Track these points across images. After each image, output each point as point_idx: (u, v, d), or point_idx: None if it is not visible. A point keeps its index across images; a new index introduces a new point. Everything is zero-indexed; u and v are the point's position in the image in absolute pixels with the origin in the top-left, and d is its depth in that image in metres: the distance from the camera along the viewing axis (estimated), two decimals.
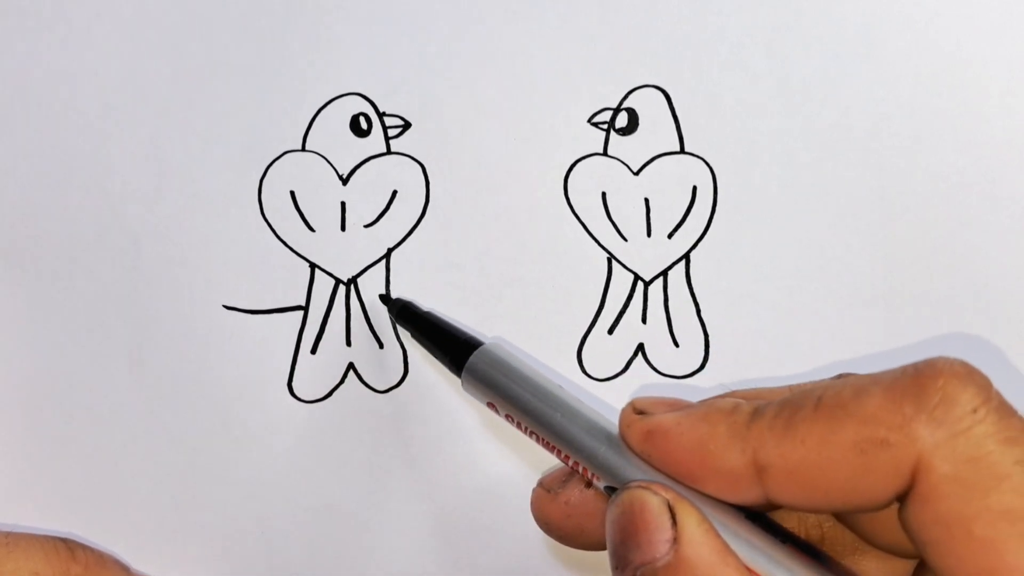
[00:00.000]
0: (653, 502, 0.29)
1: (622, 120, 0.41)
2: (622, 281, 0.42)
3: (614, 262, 0.41)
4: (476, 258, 0.42)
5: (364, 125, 0.42)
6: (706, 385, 0.41)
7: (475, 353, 0.36)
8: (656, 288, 0.42)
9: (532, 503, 0.34)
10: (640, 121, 0.41)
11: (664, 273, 0.41)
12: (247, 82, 0.42)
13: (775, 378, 0.41)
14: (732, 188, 0.41)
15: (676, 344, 0.41)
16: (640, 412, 0.31)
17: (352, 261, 0.42)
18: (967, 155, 0.41)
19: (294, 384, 0.42)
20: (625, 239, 0.41)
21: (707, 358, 0.41)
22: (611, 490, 0.31)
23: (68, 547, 0.39)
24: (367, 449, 0.42)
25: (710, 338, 0.41)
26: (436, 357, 0.38)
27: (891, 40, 0.41)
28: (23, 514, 0.42)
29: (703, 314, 0.41)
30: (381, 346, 0.42)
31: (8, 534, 0.39)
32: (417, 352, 0.42)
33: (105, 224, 0.42)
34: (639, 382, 0.41)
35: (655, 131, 0.41)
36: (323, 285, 0.42)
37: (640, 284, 0.42)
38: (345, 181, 0.42)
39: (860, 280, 0.41)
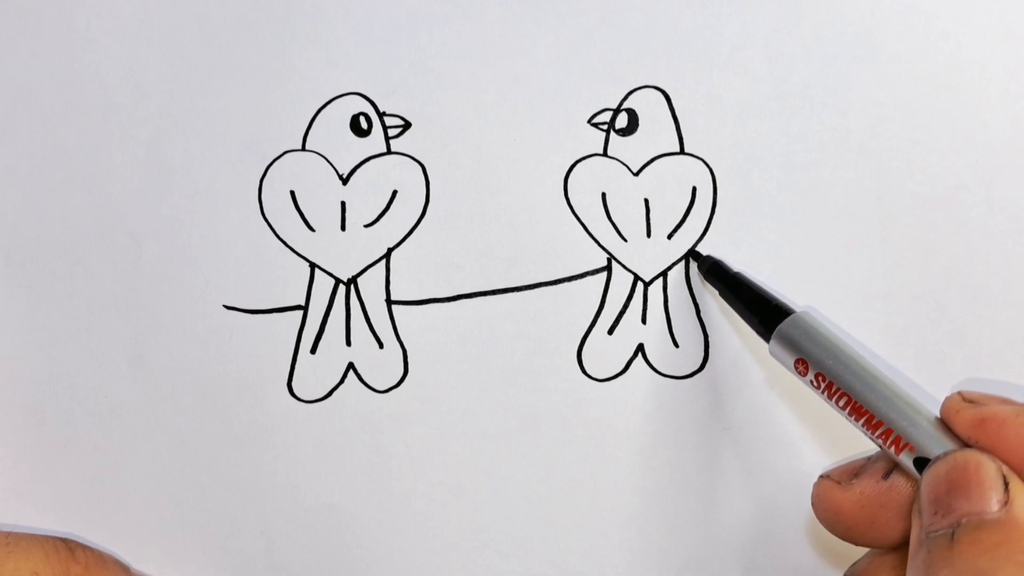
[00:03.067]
0: (989, 464, 0.31)
1: (622, 121, 0.41)
2: (622, 281, 0.42)
3: (614, 262, 0.42)
4: (476, 258, 0.42)
5: (364, 125, 0.42)
6: (706, 385, 0.41)
7: (790, 318, 0.37)
8: (656, 288, 0.42)
9: (818, 495, 0.36)
10: (640, 122, 0.41)
11: (664, 273, 0.42)
12: (247, 82, 0.42)
13: (775, 378, 0.41)
14: (731, 189, 0.41)
15: (676, 344, 0.41)
16: (969, 401, 0.33)
17: (352, 261, 0.42)
18: (965, 157, 0.41)
19: (294, 384, 0.42)
20: (625, 239, 0.41)
21: (707, 358, 0.41)
22: (921, 464, 0.33)
23: (68, 547, 0.39)
24: (367, 449, 0.42)
25: (710, 338, 0.41)
26: (744, 318, 0.39)
27: (890, 42, 0.41)
28: (23, 514, 0.42)
29: (703, 314, 0.41)
30: (381, 346, 0.42)
31: (8, 534, 0.39)
32: (417, 352, 0.42)
33: (105, 224, 0.42)
34: (639, 382, 0.41)
35: (655, 132, 0.41)
36: (323, 285, 0.42)
37: (640, 284, 0.42)
38: (345, 181, 0.42)
39: (858, 281, 0.41)
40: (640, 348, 0.42)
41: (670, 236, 0.41)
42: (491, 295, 0.42)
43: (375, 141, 0.42)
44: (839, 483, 0.35)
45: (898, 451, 0.34)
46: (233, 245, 0.42)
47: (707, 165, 0.41)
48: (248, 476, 0.42)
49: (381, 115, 0.42)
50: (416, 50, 0.42)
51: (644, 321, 0.42)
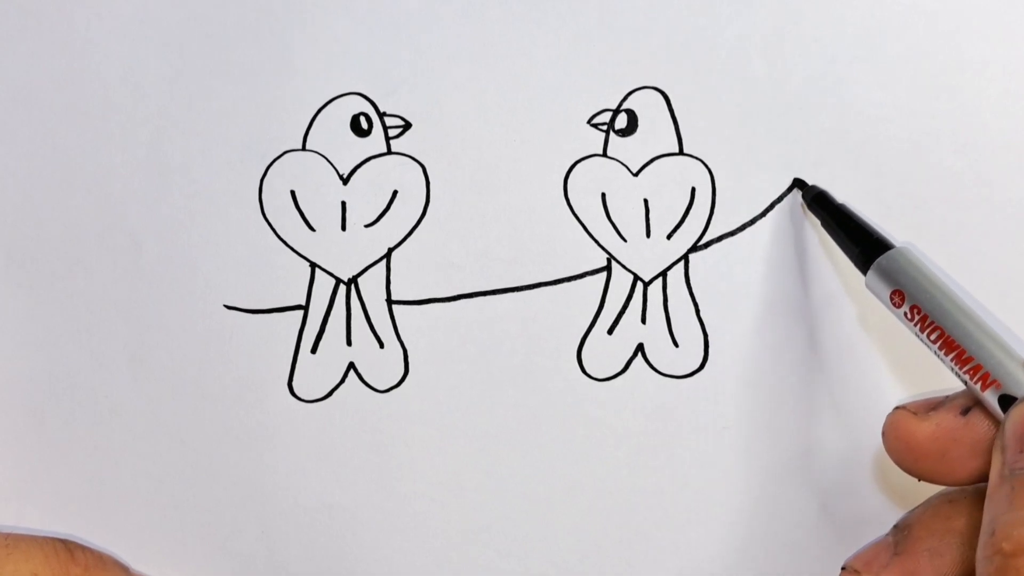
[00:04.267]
0: None
1: (621, 121, 0.41)
2: (621, 281, 0.42)
3: (613, 262, 0.42)
4: (476, 258, 0.42)
5: (365, 125, 0.42)
6: (706, 385, 0.41)
7: (890, 252, 0.37)
8: (655, 288, 0.42)
9: (892, 424, 0.36)
10: (639, 122, 0.41)
11: (663, 273, 0.42)
12: (247, 82, 0.42)
13: (774, 378, 0.41)
14: (730, 189, 0.41)
15: (676, 344, 0.41)
16: None
17: (352, 261, 0.42)
18: (965, 157, 0.41)
19: (294, 384, 0.42)
20: (624, 239, 0.41)
21: (706, 358, 0.41)
22: (1007, 403, 0.34)
23: (68, 548, 0.39)
24: (367, 449, 0.42)
25: (709, 338, 0.41)
26: (843, 248, 0.39)
27: (889, 43, 0.41)
28: (23, 514, 0.42)
29: (702, 314, 0.41)
30: (381, 346, 0.42)
31: (7, 535, 0.39)
32: (418, 352, 0.42)
33: (105, 224, 0.42)
34: (639, 382, 0.41)
35: (654, 132, 0.41)
36: (323, 285, 0.42)
37: (639, 284, 0.42)
38: (345, 181, 0.42)
39: (857, 281, 0.41)
40: (640, 348, 0.42)
41: (669, 236, 0.41)
42: (491, 295, 0.42)
43: (375, 141, 0.42)
44: (915, 414, 0.36)
45: (984, 387, 0.34)
46: (233, 245, 0.42)
47: (706, 166, 0.41)
48: (248, 476, 0.42)
49: (381, 115, 0.42)
50: (416, 50, 0.42)
51: (644, 321, 0.42)
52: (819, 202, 0.40)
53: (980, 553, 0.31)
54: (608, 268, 0.42)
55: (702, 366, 0.41)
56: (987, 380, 0.34)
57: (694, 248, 0.41)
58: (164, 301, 0.42)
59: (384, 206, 0.42)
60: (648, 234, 0.41)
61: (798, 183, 0.41)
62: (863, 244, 0.38)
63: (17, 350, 0.42)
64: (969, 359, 0.35)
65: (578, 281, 0.42)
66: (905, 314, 0.37)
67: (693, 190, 0.41)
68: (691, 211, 0.41)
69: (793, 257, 0.41)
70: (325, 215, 0.42)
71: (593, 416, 0.41)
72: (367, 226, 0.42)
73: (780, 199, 0.41)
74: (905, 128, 0.41)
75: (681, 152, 0.41)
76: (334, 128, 0.42)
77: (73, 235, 0.42)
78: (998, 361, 0.34)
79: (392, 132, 0.42)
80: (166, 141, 0.42)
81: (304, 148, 0.42)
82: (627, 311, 0.42)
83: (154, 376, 0.42)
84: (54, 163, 0.42)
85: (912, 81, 0.41)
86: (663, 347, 0.41)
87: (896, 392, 0.41)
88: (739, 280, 0.41)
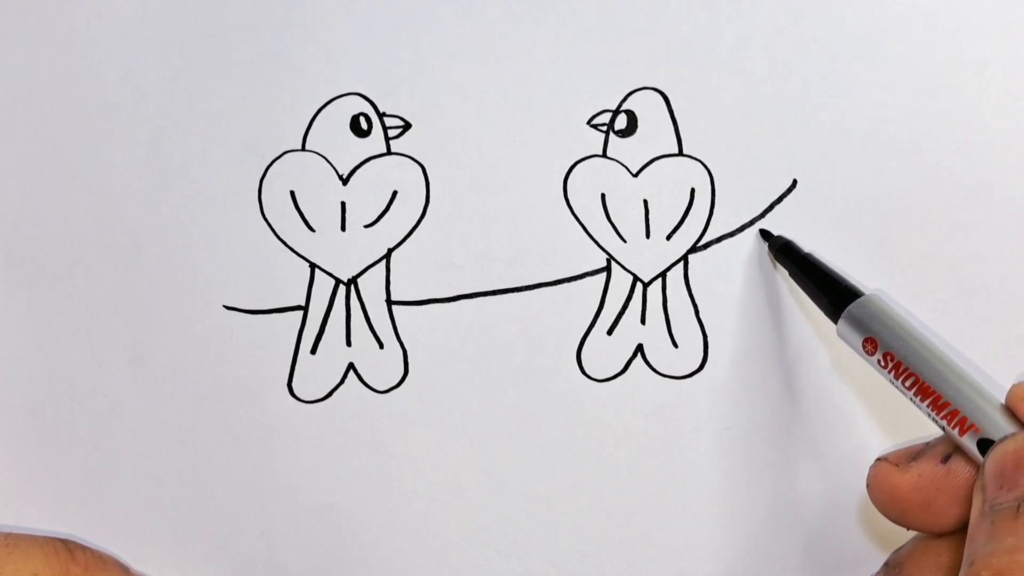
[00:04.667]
0: None
1: (621, 122, 0.41)
2: (621, 282, 0.42)
3: (613, 263, 0.42)
4: (476, 258, 0.42)
5: (364, 125, 0.42)
6: (705, 386, 0.41)
7: (861, 299, 0.37)
8: (655, 289, 0.42)
9: (875, 477, 0.36)
10: (639, 123, 0.41)
11: (663, 274, 0.42)
12: (247, 82, 0.42)
13: (773, 378, 0.41)
14: (730, 190, 0.41)
15: (675, 345, 0.41)
16: None
17: (352, 261, 0.42)
18: (964, 157, 0.41)
19: (294, 384, 0.42)
20: (624, 240, 0.41)
21: (706, 359, 0.41)
22: (985, 446, 0.34)
23: (68, 548, 0.39)
24: (367, 449, 0.42)
25: (709, 339, 0.41)
26: (813, 298, 0.39)
27: (889, 43, 0.41)
28: (23, 514, 0.42)
29: (701, 315, 0.41)
30: (381, 346, 0.42)
31: (8, 535, 0.39)
32: (418, 352, 0.42)
33: (105, 224, 0.42)
34: (638, 383, 0.41)
35: (654, 133, 0.41)
36: (323, 285, 0.42)
37: (639, 285, 0.42)
38: (345, 181, 0.42)
39: (857, 282, 0.41)
40: (639, 348, 0.42)
41: (669, 237, 0.41)
42: (491, 295, 0.42)
43: (375, 141, 0.42)
44: (896, 465, 0.36)
45: (962, 432, 0.34)
46: (233, 245, 0.42)
47: (705, 166, 0.41)
48: (248, 476, 0.42)
49: (381, 115, 0.42)
50: (416, 50, 0.42)
51: (643, 321, 0.42)
52: (785, 252, 0.40)
53: None
54: (608, 269, 0.42)
55: (701, 367, 0.41)
56: (965, 425, 0.34)
57: (693, 249, 0.41)
58: (164, 301, 0.42)
59: (384, 206, 0.42)
60: (648, 235, 0.41)
61: (764, 234, 0.41)
62: (832, 293, 0.38)
63: (17, 350, 0.42)
64: (946, 404, 0.35)
65: (578, 282, 0.42)
66: (878, 361, 0.37)
67: (692, 191, 0.41)
68: (690, 212, 0.41)
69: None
70: (325, 215, 0.42)
71: (592, 416, 0.41)
72: (367, 226, 0.42)
73: (780, 200, 0.41)
74: (905, 128, 0.41)
75: (681, 153, 0.41)
76: (334, 128, 0.42)
77: (73, 235, 0.42)
78: (975, 405, 0.34)
79: (392, 132, 0.42)
80: (166, 141, 0.42)
81: (304, 148, 0.42)
82: (627, 312, 0.42)
83: (154, 376, 0.42)
84: (54, 163, 0.42)
85: (912, 81, 0.41)
86: (663, 348, 0.41)
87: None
88: (738, 281, 0.41)
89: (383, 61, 0.42)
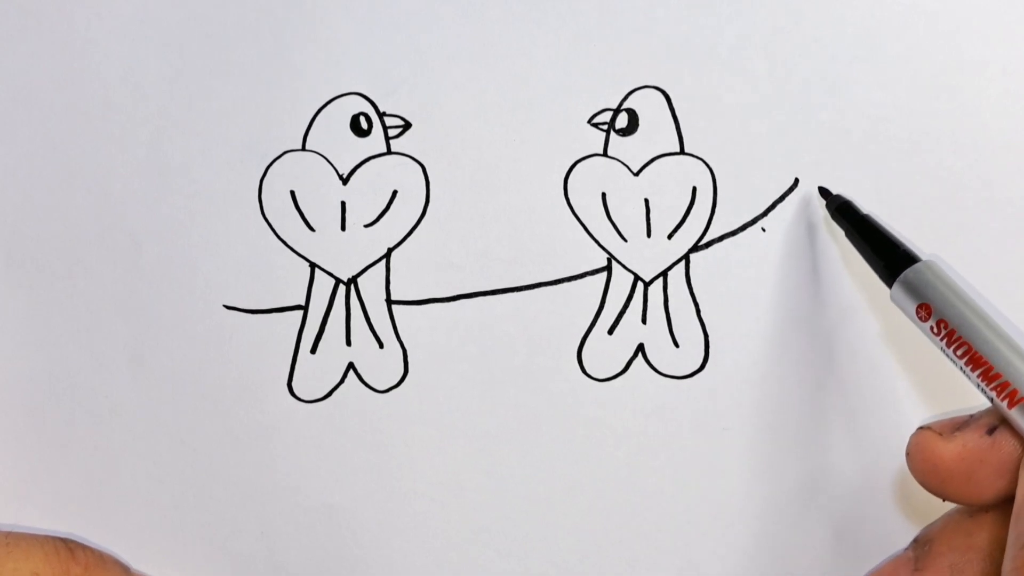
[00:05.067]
0: None
1: (622, 121, 0.41)
2: (622, 281, 0.42)
3: (614, 262, 0.42)
4: (476, 258, 0.42)
5: (364, 125, 0.42)
6: (707, 386, 0.41)
7: (917, 264, 0.37)
8: (656, 288, 0.42)
9: (917, 445, 0.36)
10: (640, 122, 0.41)
11: (664, 273, 0.42)
12: (247, 82, 0.42)
13: (773, 378, 0.41)
14: (731, 189, 0.41)
15: (676, 344, 0.41)
16: None
17: (352, 261, 0.42)
18: (964, 157, 0.41)
19: (294, 384, 0.42)
20: (625, 239, 0.41)
21: (707, 358, 0.41)
22: None
23: (68, 547, 0.39)
24: (367, 449, 0.42)
25: (710, 338, 0.41)
26: (868, 260, 0.39)
27: (890, 42, 0.41)
28: (23, 514, 0.42)
29: (703, 314, 0.41)
30: (381, 346, 0.42)
31: (8, 534, 0.39)
32: (417, 352, 0.42)
33: (105, 224, 0.42)
34: (639, 382, 0.41)
35: (655, 132, 0.41)
36: (323, 285, 0.42)
37: (640, 284, 0.42)
38: (345, 181, 0.42)
39: (858, 281, 0.41)
40: (640, 348, 0.42)
41: (670, 236, 0.41)
42: (491, 295, 0.42)
43: (375, 141, 0.42)
44: (940, 434, 0.35)
45: (1012, 404, 0.34)
46: (233, 245, 0.42)
47: (707, 165, 0.41)
48: (248, 476, 0.42)
49: (381, 115, 0.42)
50: (416, 50, 0.42)
51: (644, 321, 0.42)
52: (843, 212, 0.39)
53: (1008, 565, 0.31)
54: (608, 268, 0.42)
55: (702, 366, 0.41)
56: (1015, 397, 0.34)
57: (695, 248, 0.41)
58: (164, 301, 0.42)
59: (384, 206, 0.42)
60: (649, 234, 0.41)
61: (822, 192, 0.41)
62: (889, 257, 0.38)
63: (17, 350, 0.42)
64: (997, 375, 0.34)
65: (578, 281, 0.42)
66: (931, 328, 0.36)
67: (694, 190, 0.41)
68: (692, 211, 0.41)
69: (795, 258, 0.41)
70: (325, 215, 0.42)
71: (593, 416, 0.41)
72: (367, 226, 0.42)
73: (781, 199, 0.41)
74: (905, 128, 0.41)
75: (682, 152, 0.41)
76: (334, 128, 0.42)
77: (73, 235, 0.42)
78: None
79: (392, 132, 0.42)
80: (166, 141, 0.42)
81: (304, 148, 0.42)
82: (627, 311, 0.42)
83: (154, 376, 0.42)
84: (54, 163, 0.42)
85: (912, 81, 0.41)
86: (663, 347, 0.41)
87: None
88: (740, 280, 0.41)
89: (383, 61, 0.42)
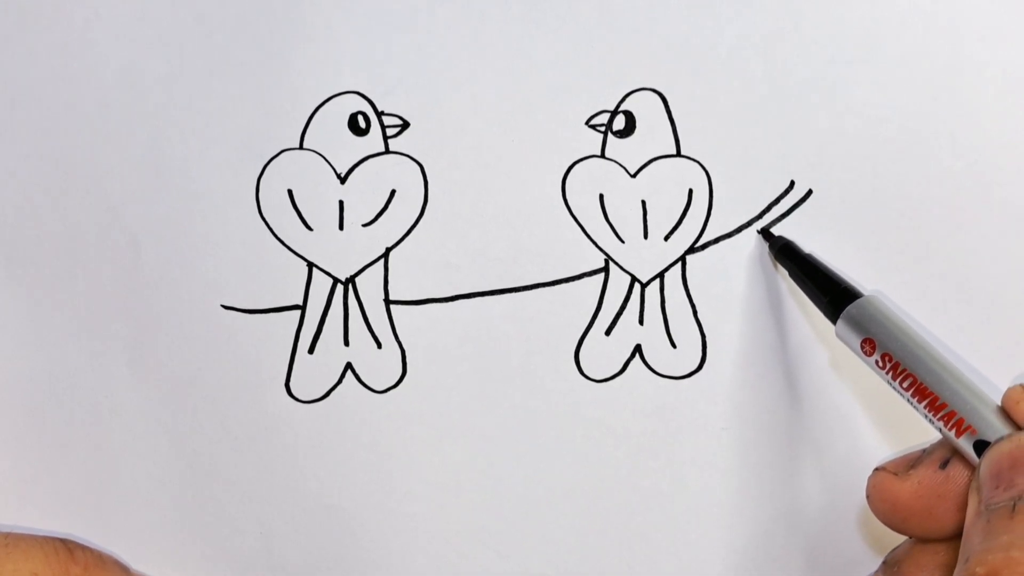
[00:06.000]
0: None
1: (619, 123, 0.41)
2: (619, 282, 0.42)
3: (611, 263, 0.41)
4: (474, 258, 0.42)
5: (362, 124, 0.42)
6: (704, 386, 0.41)
7: (860, 300, 0.37)
8: (653, 289, 0.42)
9: (875, 487, 0.36)
10: (637, 124, 0.41)
11: (661, 275, 0.41)
12: (245, 81, 0.42)
13: (770, 378, 0.41)
14: (727, 191, 0.41)
15: (673, 345, 0.41)
16: None
17: (350, 260, 0.42)
18: (964, 157, 0.41)
19: (292, 384, 0.42)
20: (622, 241, 0.41)
21: (704, 359, 0.41)
22: (981, 447, 0.34)
23: (67, 548, 0.40)
24: (366, 449, 0.42)
25: (707, 339, 0.41)
26: (812, 298, 0.39)
27: (887, 44, 0.41)
28: (23, 514, 0.42)
29: (700, 315, 0.41)
30: (379, 346, 0.42)
31: (7, 535, 0.39)
32: (416, 352, 0.42)
33: (104, 224, 0.42)
34: (636, 383, 0.41)
35: (652, 134, 0.41)
36: (321, 284, 0.42)
37: (637, 285, 0.42)
38: (343, 180, 0.42)
39: (856, 282, 0.41)
40: (637, 349, 0.42)
41: (667, 237, 0.41)
42: (489, 295, 0.42)
43: (373, 140, 0.42)
44: (895, 474, 0.36)
45: (959, 433, 0.34)
46: (231, 245, 0.42)
47: (703, 167, 0.41)
48: (247, 476, 0.42)
49: (379, 114, 0.42)
50: (415, 50, 0.42)
51: (641, 322, 0.42)
52: (785, 253, 0.40)
53: None
54: (606, 269, 0.41)
55: (700, 367, 0.41)
56: (961, 427, 0.34)
57: (691, 249, 0.41)
58: (163, 301, 0.42)
59: (382, 205, 0.42)
60: (646, 235, 0.41)
61: (764, 234, 0.41)
62: (831, 294, 0.38)
63: (17, 350, 0.43)
64: (943, 406, 0.35)
65: (576, 282, 0.42)
66: (876, 362, 0.37)
67: (690, 191, 0.41)
68: (688, 212, 0.41)
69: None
70: (323, 214, 0.42)
71: (591, 417, 0.41)
72: (365, 226, 0.42)
73: (777, 200, 0.41)
74: (904, 128, 0.41)
75: (679, 154, 0.41)
76: (332, 127, 0.42)
77: (72, 235, 0.42)
78: (972, 407, 0.34)
79: (390, 131, 0.42)
80: (164, 141, 0.42)
81: (301, 147, 0.42)
82: (625, 312, 0.42)
83: (153, 376, 0.42)
84: (53, 163, 0.42)
85: (911, 81, 0.41)
86: (661, 348, 0.41)
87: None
88: (737, 281, 0.41)
89: (381, 60, 0.42)
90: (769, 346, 0.41)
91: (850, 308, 0.37)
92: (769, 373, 0.41)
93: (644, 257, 0.41)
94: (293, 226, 0.42)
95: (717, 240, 0.41)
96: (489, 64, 0.41)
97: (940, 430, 0.35)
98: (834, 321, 0.38)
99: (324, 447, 0.42)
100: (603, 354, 0.41)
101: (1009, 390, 0.34)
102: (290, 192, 0.42)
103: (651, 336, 0.42)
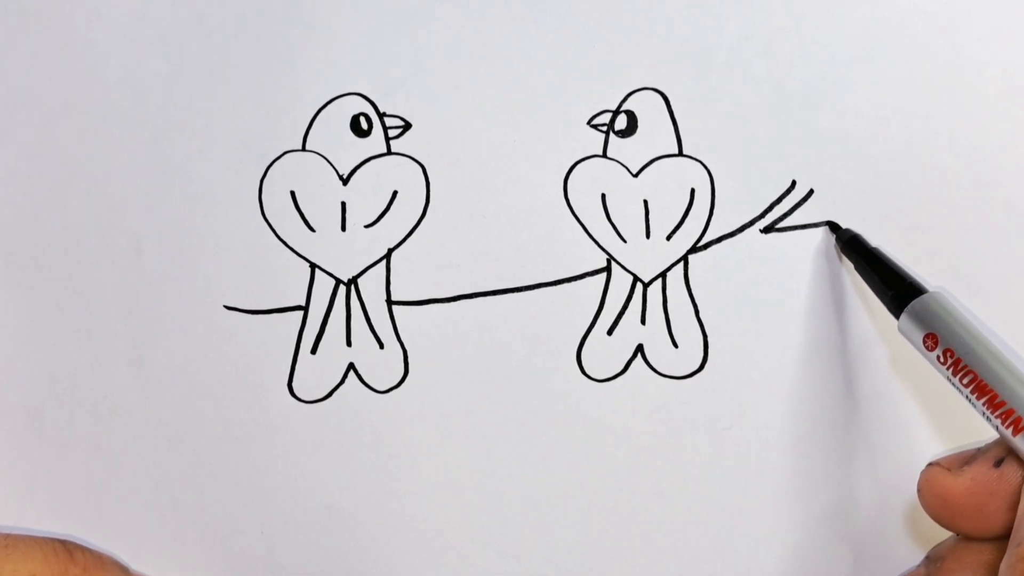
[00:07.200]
0: None
1: (621, 122, 0.41)
2: (621, 282, 0.42)
3: (613, 263, 0.42)
4: (476, 258, 0.42)
5: (364, 125, 0.42)
6: (706, 386, 0.41)
7: (924, 296, 0.37)
8: (655, 289, 0.42)
9: (927, 482, 0.36)
10: (639, 123, 0.41)
11: (663, 274, 0.42)
12: (247, 82, 0.42)
13: (772, 379, 0.41)
14: (730, 190, 0.41)
15: (675, 345, 0.41)
16: None
17: (352, 261, 0.42)
18: (964, 157, 0.41)
19: (294, 384, 0.42)
20: (624, 240, 0.41)
21: (706, 359, 0.41)
22: None
23: (67, 548, 0.39)
24: (367, 449, 0.42)
25: (709, 339, 0.41)
26: (876, 292, 0.39)
27: (888, 44, 0.41)
28: (23, 514, 0.42)
29: (701, 315, 0.41)
30: (381, 346, 0.42)
31: (7, 536, 0.39)
32: (418, 352, 0.42)
33: (105, 224, 0.42)
34: (638, 383, 0.41)
35: (654, 133, 0.41)
36: (323, 285, 0.42)
37: (639, 285, 0.42)
38: (345, 181, 0.42)
39: (857, 282, 0.41)
40: (639, 348, 0.42)
41: (669, 237, 0.41)
42: (491, 295, 0.42)
43: (375, 141, 0.42)
44: (948, 470, 0.36)
45: (1016, 431, 0.34)
46: (233, 245, 0.42)
47: (705, 167, 0.41)
48: (248, 476, 0.42)
49: (381, 115, 0.42)
50: (416, 50, 0.42)
51: (643, 322, 0.42)
52: (852, 246, 0.40)
53: (1004, 563, 0.32)
54: (608, 269, 0.42)
55: (701, 367, 0.41)
56: (1019, 424, 0.34)
57: (693, 249, 0.41)
58: (164, 301, 0.42)
59: (384, 206, 0.42)
60: (648, 235, 0.41)
61: (832, 226, 0.41)
62: (896, 288, 0.38)
63: (17, 350, 0.42)
64: (1001, 403, 0.35)
65: (578, 282, 0.42)
66: (938, 358, 0.37)
67: (692, 191, 0.41)
68: (690, 212, 0.41)
69: (793, 258, 0.41)
70: (325, 215, 0.42)
71: (593, 417, 0.41)
72: (367, 226, 0.42)
73: (779, 200, 0.41)
74: (905, 129, 0.41)
75: (681, 153, 0.41)
76: (334, 128, 0.42)
77: (73, 235, 0.42)
78: None
79: (392, 132, 0.42)
80: (166, 141, 0.42)
81: (304, 148, 0.42)
82: (627, 312, 0.42)
83: (154, 376, 0.42)
84: (54, 163, 0.42)
85: (912, 82, 0.41)
86: (663, 348, 0.41)
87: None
88: (738, 281, 0.41)
89: (383, 61, 0.42)
90: (771, 346, 0.41)
91: (914, 303, 0.37)
92: (771, 373, 0.41)
93: (646, 257, 0.41)
94: (295, 227, 0.42)
95: (719, 240, 0.41)
96: (490, 64, 0.42)
97: (997, 428, 0.35)
98: (897, 315, 0.38)
99: (326, 447, 0.42)
100: (605, 354, 0.41)
101: None
102: (292, 193, 0.42)
103: (653, 336, 0.42)
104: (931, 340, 0.37)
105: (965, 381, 0.36)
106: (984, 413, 0.35)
